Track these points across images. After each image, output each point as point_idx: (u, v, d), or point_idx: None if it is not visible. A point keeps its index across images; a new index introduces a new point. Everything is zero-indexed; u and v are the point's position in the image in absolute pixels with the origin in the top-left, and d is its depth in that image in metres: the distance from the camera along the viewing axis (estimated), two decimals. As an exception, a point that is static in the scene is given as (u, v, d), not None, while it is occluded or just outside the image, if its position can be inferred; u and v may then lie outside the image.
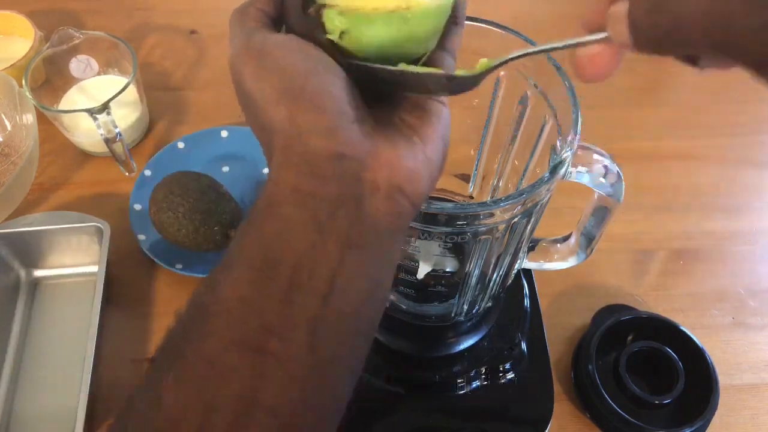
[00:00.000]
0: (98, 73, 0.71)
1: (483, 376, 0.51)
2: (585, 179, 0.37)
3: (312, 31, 0.28)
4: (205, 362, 0.24)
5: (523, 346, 0.52)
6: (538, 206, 0.37)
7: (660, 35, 0.23)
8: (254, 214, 0.26)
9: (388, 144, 0.27)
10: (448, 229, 0.37)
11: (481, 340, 0.52)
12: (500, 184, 0.49)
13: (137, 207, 0.63)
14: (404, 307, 0.50)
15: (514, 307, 0.55)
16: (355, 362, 0.28)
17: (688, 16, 0.22)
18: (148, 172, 0.65)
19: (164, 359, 0.25)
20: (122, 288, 0.60)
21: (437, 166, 0.28)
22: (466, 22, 0.39)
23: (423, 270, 0.43)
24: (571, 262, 0.47)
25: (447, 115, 0.29)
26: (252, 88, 0.27)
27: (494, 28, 0.40)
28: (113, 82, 0.70)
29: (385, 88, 0.29)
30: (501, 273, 0.44)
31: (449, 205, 0.35)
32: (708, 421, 0.49)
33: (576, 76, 0.28)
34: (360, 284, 0.26)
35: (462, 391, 0.51)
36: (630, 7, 0.24)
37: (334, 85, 0.26)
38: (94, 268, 0.57)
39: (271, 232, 0.25)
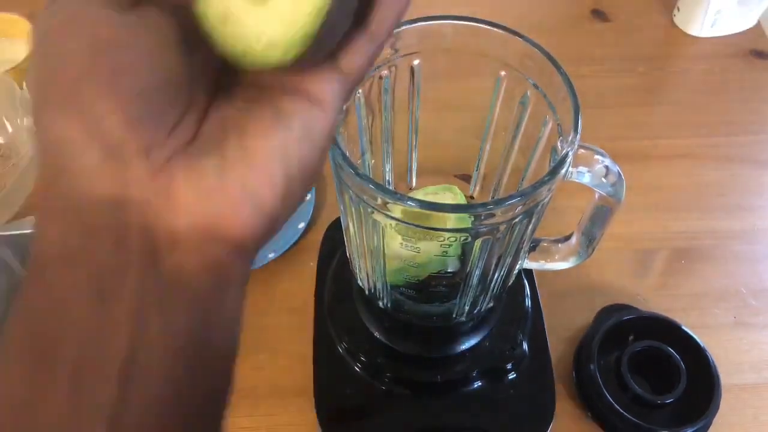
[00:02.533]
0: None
1: (484, 377, 0.51)
2: (586, 179, 0.38)
3: None
4: None
5: (525, 346, 0.52)
6: (539, 206, 0.37)
7: None
8: (27, 276, 0.19)
9: (189, 175, 0.20)
10: (450, 230, 0.37)
11: (482, 340, 0.52)
12: (501, 185, 0.49)
13: (138, 208, 0.63)
14: (406, 307, 0.50)
15: (516, 308, 0.55)
16: None
17: None
18: (149, 174, 0.65)
19: None
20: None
21: (273, 195, 0.21)
22: (467, 23, 0.40)
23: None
24: (572, 262, 0.47)
25: (308, 120, 0.21)
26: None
27: (495, 29, 0.40)
28: (114, 83, 0.70)
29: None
30: (502, 273, 0.44)
31: (450, 205, 0.35)
32: (710, 421, 0.49)
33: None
34: (173, 358, 0.20)
35: (463, 392, 0.51)
36: None
37: (134, 87, 0.19)
38: (96, 270, 0.57)
39: (42, 306, 0.19)
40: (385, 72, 0.43)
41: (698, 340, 0.52)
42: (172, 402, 0.20)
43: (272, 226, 0.21)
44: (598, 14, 0.84)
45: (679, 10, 0.81)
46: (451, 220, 0.36)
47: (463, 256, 0.48)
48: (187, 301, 0.20)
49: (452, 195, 0.52)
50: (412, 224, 0.36)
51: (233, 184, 0.20)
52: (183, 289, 0.20)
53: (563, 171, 0.36)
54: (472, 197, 0.54)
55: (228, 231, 0.20)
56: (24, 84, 0.63)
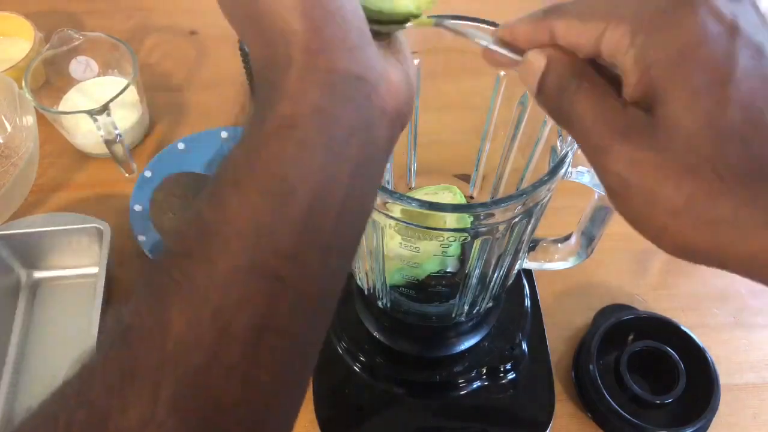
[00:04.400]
0: (98, 74, 0.71)
1: (484, 377, 0.51)
2: (585, 179, 0.37)
3: None
4: (218, 288, 0.23)
5: (524, 346, 0.52)
6: (539, 206, 0.37)
7: (557, 116, 0.26)
8: (267, 131, 0.24)
9: (391, 68, 0.27)
10: (449, 230, 0.37)
11: (481, 340, 0.52)
12: (500, 185, 0.49)
13: (137, 208, 0.63)
14: (405, 307, 0.50)
15: (515, 307, 0.55)
16: (343, 278, 0.28)
17: (583, 122, 0.24)
18: (148, 173, 0.65)
19: (167, 280, 0.23)
20: (123, 289, 0.60)
21: (414, 92, 0.29)
22: (466, 23, 0.39)
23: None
24: (571, 262, 0.47)
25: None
26: None
27: (494, 29, 0.39)
28: (113, 83, 0.70)
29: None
30: (501, 273, 0.44)
31: (450, 205, 0.35)
32: (709, 421, 0.49)
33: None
34: (362, 208, 0.27)
35: (463, 392, 0.51)
36: (543, 77, 0.26)
37: (354, 2, 0.25)
38: (95, 269, 0.57)
39: (290, 156, 0.24)
40: (384, 72, 0.43)
41: (697, 340, 0.52)
42: (354, 239, 0.27)
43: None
44: (598, 14, 0.84)
45: (678, 10, 0.81)
46: (451, 220, 0.36)
47: (463, 256, 0.48)
48: (377, 162, 0.27)
49: (452, 195, 0.52)
50: (412, 224, 0.36)
51: (408, 79, 0.28)
52: (376, 154, 0.27)
53: (563, 171, 0.36)
54: (471, 197, 0.54)
55: (406, 112, 0.28)
56: (23, 83, 0.63)
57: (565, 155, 0.36)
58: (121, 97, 0.61)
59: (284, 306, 0.24)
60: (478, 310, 0.48)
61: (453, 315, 0.48)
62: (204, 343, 0.22)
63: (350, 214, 0.26)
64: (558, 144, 0.39)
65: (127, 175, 0.67)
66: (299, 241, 0.24)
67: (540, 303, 0.56)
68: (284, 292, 0.24)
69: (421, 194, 0.52)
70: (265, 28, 0.25)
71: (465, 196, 0.53)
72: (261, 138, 0.24)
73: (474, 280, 0.43)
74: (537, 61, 0.26)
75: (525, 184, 0.45)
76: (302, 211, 0.24)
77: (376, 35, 0.27)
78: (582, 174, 0.37)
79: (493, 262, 0.42)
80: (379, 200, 0.35)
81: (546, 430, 0.50)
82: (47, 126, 0.68)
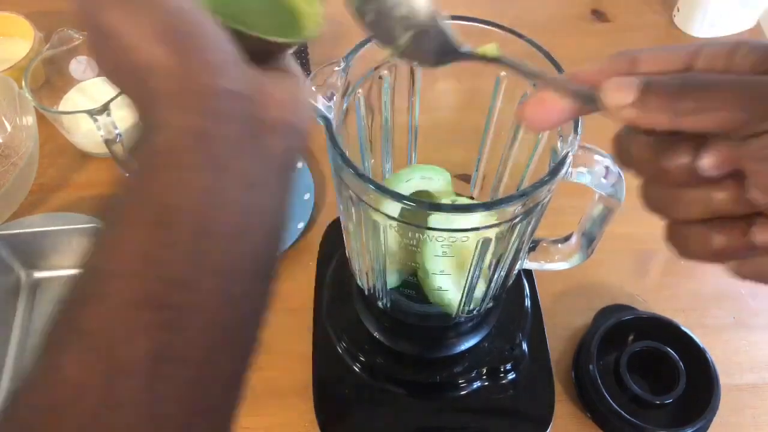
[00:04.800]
0: (98, 74, 0.71)
1: (484, 377, 0.51)
2: (586, 180, 0.37)
3: None
4: (108, 326, 0.23)
5: (524, 346, 0.52)
6: (539, 206, 0.37)
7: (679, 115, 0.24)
8: (147, 166, 0.24)
9: (270, 82, 0.27)
10: (449, 230, 0.37)
11: (481, 340, 0.52)
12: (500, 185, 0.49)
13: (137, 208, 0.62)
14: (405, 307, 0.50)
15: (515, 308, 0.54)
16: (261, 302, 0.27)
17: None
18: (148, 173, 0.65)
19: (59, 330, 0.24)
20: (123, 289, 0.60)
21: (306, 106, 0.29)
22: (467, 23, 0.40)
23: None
24: (571, 263, 0.47)
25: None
26: (120, 23, 0.24)
27: (494, 29, 0.40)
28: (113, 83, 0.70)
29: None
30: (502, 273, 0.44)
31: (450, 205, 0.35)
32: (709, 421, 0.49)
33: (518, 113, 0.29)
34: (262, 222, 0.26)
35: (463, 392, 0.51)
36: (648, 84, 0.24)
37: (213, 24, 0.26)
38: (95, 270, 0.57)
39: (172, 183, 0.24)
40: (385, 72, 0.43)
41: (697, 340, 0.52)
42: (258, 258, 0.26)
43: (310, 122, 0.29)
44: (598, 14, 0.84)
45: (679, 10, 0.81)
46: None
47: (463, 256, 0.48)
48: (273, 175, 0.27)
49: (444, 180, 0.51)
50: (412, 224, 0.36)
51: (302, 89, 0.28)
52: (270, 167, 0.26)
53: (563, 171, 0.36)
54: (472, 197, 0.54)
55: (302, 122, 0.27)
56: (23, 83, 0.63)
57: (566, 156, 0.36)
58: (121, 97, 0.61)
59: (180, 335, 0.23)
60: (478, 310, 0.48)
61: (453, 315, 0.48)
62: (95, 382, 0.22)
63: (250, 233, 0.25)
64: (558, 144, 0.39)
65: (127, 175, 0.67)
66: (189, 267, 0.24)
67: (540, 303, 0.56)
68: (178, 321, 0.23)
69: (418, 177, 0.51)
70: (132, 68, 0.25)
71: (466, 197, 0.53)
72: (141, 174, 0.24)
73: (474, 281, 0.43)
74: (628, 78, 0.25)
75: (525, 184, 0.45)
76: (189, 234, 0.24)
77: (262, 56, 0.28)
78: (582, 174, 0.37)
79: (494, 262, 0.42)
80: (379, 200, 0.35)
81: (546, 430, 0.50)
82: (47, 126, 0.68)
